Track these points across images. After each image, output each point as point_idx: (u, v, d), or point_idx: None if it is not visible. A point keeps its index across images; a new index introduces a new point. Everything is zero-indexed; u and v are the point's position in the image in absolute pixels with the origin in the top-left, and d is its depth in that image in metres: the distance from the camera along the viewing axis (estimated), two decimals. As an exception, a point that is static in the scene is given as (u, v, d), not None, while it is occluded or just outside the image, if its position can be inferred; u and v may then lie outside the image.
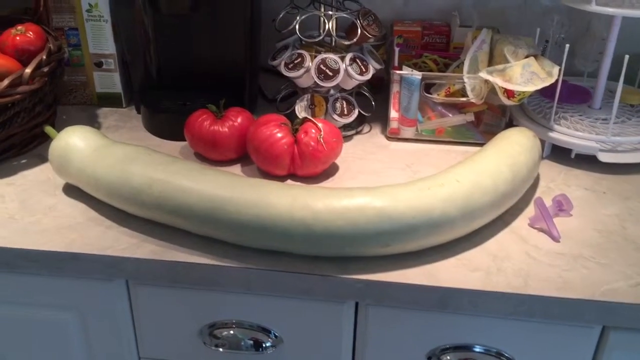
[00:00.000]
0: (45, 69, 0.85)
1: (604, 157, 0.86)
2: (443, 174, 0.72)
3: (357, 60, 0.90)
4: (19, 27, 0.89)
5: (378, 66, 0.93)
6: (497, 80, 0.85)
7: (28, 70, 0.83)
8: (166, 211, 0.71)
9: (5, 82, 0.80)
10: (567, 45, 0.84)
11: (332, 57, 0.89)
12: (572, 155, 0.89)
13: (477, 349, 0.72)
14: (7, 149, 0.87)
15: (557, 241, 0.73)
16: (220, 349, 0.77)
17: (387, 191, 0.68)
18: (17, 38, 0.88)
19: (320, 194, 0.68)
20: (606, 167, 0.87)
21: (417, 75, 0.90)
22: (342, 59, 0.89)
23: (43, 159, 0.87)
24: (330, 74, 0.88)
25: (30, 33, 0.89)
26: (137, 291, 0.75)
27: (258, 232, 0.67)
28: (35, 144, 0.90)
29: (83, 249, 0.71)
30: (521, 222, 0.77)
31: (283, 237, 0.67)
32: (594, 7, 0.83)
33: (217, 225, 0.69)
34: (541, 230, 0.75)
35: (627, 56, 0.82)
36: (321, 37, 0.90)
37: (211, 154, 0.87)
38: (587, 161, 0.88)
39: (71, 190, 0.81)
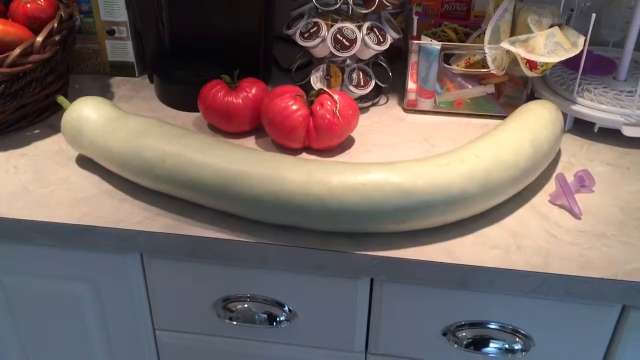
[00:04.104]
0: (57, 38, 0.83)
1: (628, 131, 0.83)
2: (462, 149, 0.70)
3: (375, 30, 0.88)
4: (30, -6, 0.87)
5: (396, 35, 0.90)
6: (520, 51, 0.82)
7: (39, 38, 0.81)
8: (179, 185, 0.70)
9: (17, 51, 0.79)
10: (594, 15, 0.81)
11: (349, 26, 0.86)
12: (595, 129, 0.86)
13: (493, 325, 0.72)
14: (19, 119, 0.86)
15: (579, 218, 0.72)
16: (234, 322, 0.77)
17: (405, 167, 0.67)
18: (28, 5, 0.86)
19: (336, 169, 0.66)
20: (630, 142, 0.85)
21: (436, 45, 0.88)
22: (359, 28, 0.87)
23: (56, 129, 0.86)
24: (347, 43, 0.86)
25: (41, 0, 0.87)
26: (151, 264, 0.75)
27: (273, 208, 0.66)
28: (47, 114, 0.89)
29: (97, 221, 0.71)
30: (541, 199, 0.75)
31: (298, 213, 0.66)
32: (623, -25, 0.79)
33: (231, 200, 0.68)
34: (562, 207, 0.74)
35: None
36: (338, 5, 0.87)
37: (225, 126, 0.85)
38: (610, 135, 0.85)
39: (84, 162, 0.80)
